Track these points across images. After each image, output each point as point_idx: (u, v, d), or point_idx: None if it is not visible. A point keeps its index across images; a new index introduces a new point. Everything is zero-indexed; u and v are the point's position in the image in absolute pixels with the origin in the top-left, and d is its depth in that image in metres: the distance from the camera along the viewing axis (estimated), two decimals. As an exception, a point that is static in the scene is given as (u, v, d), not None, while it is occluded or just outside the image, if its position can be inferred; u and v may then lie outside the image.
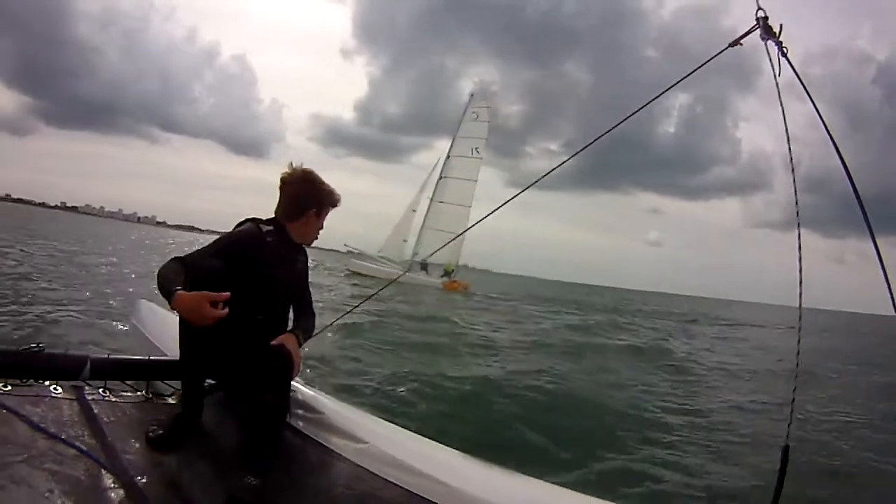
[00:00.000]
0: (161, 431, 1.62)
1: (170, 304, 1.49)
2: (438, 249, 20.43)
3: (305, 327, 1.92)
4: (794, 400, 1.38)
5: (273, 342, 1.75)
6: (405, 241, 25.23)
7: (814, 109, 1.53)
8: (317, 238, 1.96)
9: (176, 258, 1.65)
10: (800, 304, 1.51)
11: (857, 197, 1.36)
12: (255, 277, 1.72)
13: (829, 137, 1.45)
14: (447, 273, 24.32)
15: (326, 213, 1.94)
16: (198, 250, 1.73)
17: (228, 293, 1.47)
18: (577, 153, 2.25)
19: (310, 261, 2.07)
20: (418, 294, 17.52)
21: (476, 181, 24.91)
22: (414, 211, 25.29)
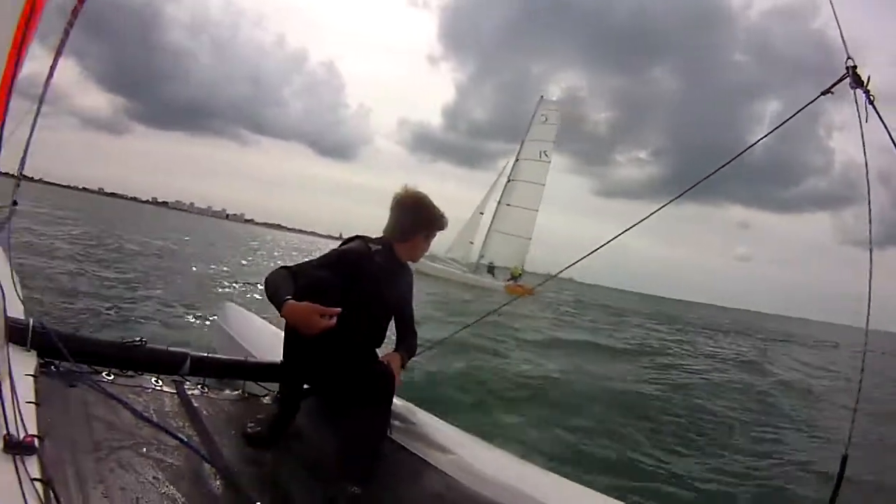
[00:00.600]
0: (259, 429, 1.67)
1: (279, 311, 1.55)
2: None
3: (409, 346, 1.97)
4: (855, 411, 1.40)
5: (380, 359, 1.86)
6: (471, 242, 25.38)
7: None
8: (421, 258, 2.00)
9: (284, 267, 1.72)
10: (867, 317, 1.58)
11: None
12: (359, 292, 1.75)
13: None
14: (514, 277, 24.21)
15: (434, 236, 1.97)
16: (307, 261, 1.80)
17: (339, 309, 1.52)
18: (677, 196, 2.30)
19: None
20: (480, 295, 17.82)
21: (544, 185, 24.58)
22: (481, 213, 25.39)
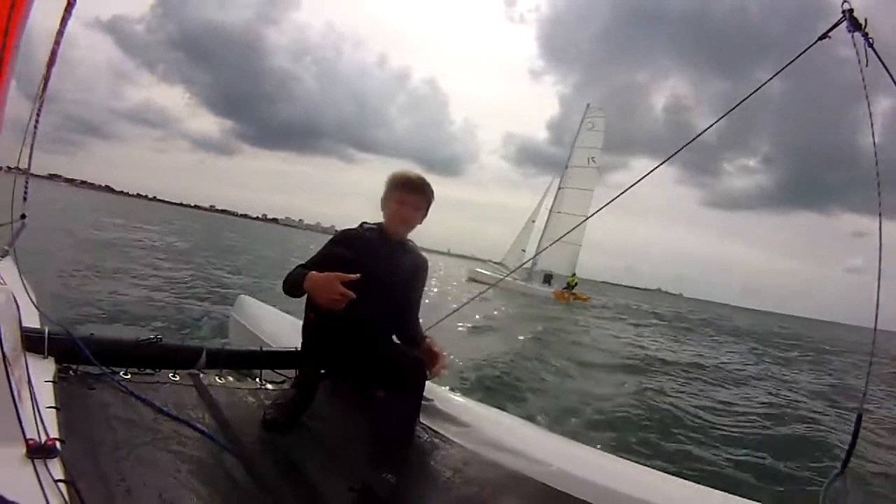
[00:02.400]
0: (276, 415, 1.65)
1: (302, 285, 1.60)
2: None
3: (420, 335, 1.94)
4: (869, 370, 1.40)
5: (427, 343, 1.87)
6: (523, 250, 24.92)
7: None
8: (401, 224, 1.85)
9: (298, 265, 1.75)
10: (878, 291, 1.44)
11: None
12: (362, 268, 1.68)
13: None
14: (570, 286, 23.46)
15: (399, 196, 1.83)
16: (311, 260, 1.79)
17: (358, 275, 1.54)
18: (663, 162, 2.26)
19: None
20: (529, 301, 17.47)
21: (592, 191, 23.49)
22: (533, 222, 24.88)
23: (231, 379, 1.87)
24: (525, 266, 24.51)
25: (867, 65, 1.49)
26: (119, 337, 1.79)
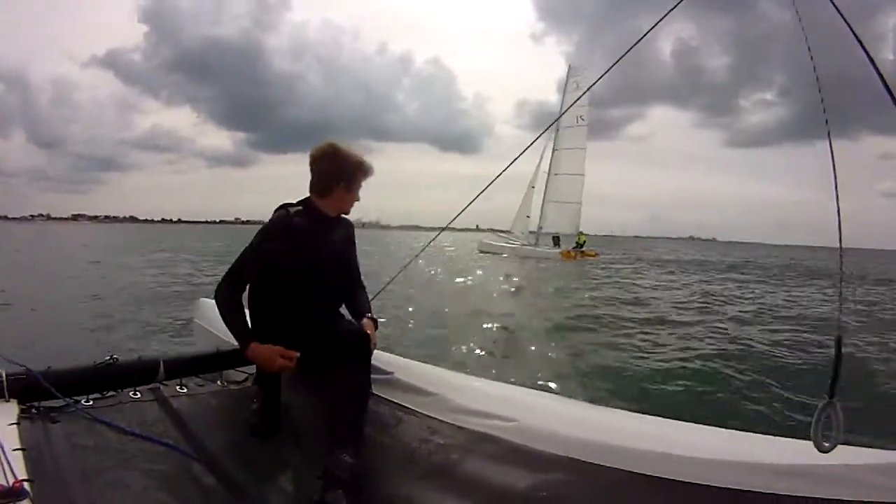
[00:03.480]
0: (258, 420, 1.64)
1: (242, 352, 1.61)
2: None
3: (368, 307, 1.89)
4: (840, 293, 1.27)
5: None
6: (528, 216, 25.32)
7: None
8: (351, 208, 1.83)
9: (228, 282, 1.66)
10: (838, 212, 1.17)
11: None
12: (297, 257, 1.66)
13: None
14: (579, 244, 23.96)
15: (359, 186, 1.80)
16: (239, 260, 1.70)
17: (298, 353, 1.58)
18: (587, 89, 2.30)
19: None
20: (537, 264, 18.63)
21: (585, 148, 23.91)
22: (533, 187, 25.07)
23: (193, 385, 1.81)
24: (532, 231, 25.26)
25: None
26: (77, 364, 1.71)
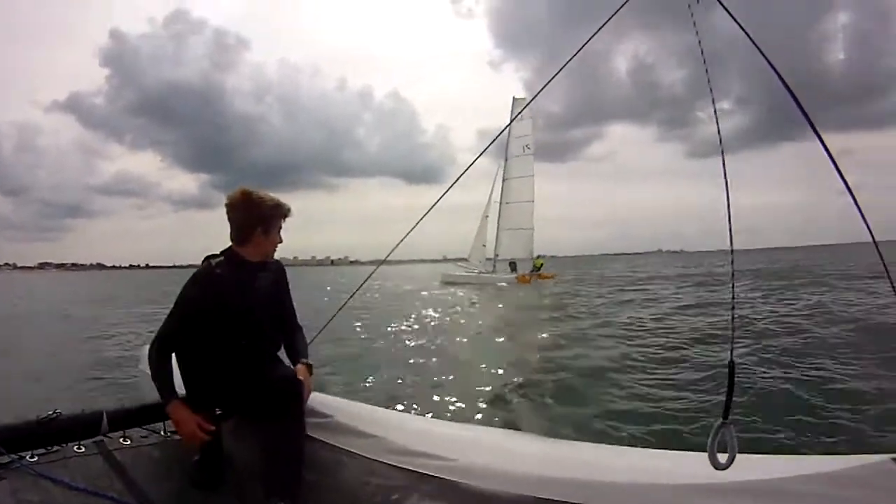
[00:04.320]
0: (197, 473, 1.63)
1: (164, 407, 1.61)
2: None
3: (301, 350, 1.86)
4: (733, 318, 1.41)
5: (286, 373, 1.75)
6: (484, 245, 25.73)
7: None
8: (274, 251, 1.82)
9: (158, 337, 1.67)
10: (729, 219, 1.23)
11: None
12: (219, 312, 1.66)
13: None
14: (536, 268, 24.26)
15: (278, 228, 1.79)
16: (169, 315, 1.69)
17: (214, 427, 1.60)
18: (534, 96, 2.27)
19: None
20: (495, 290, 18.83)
21: (533, 175, 24.49)
22: (487, 216, 25.63)
23: (136, 437, 1.80)
24: (489, 259, 25.48)
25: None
26: (20, 419, 1.69)
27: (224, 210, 1.75)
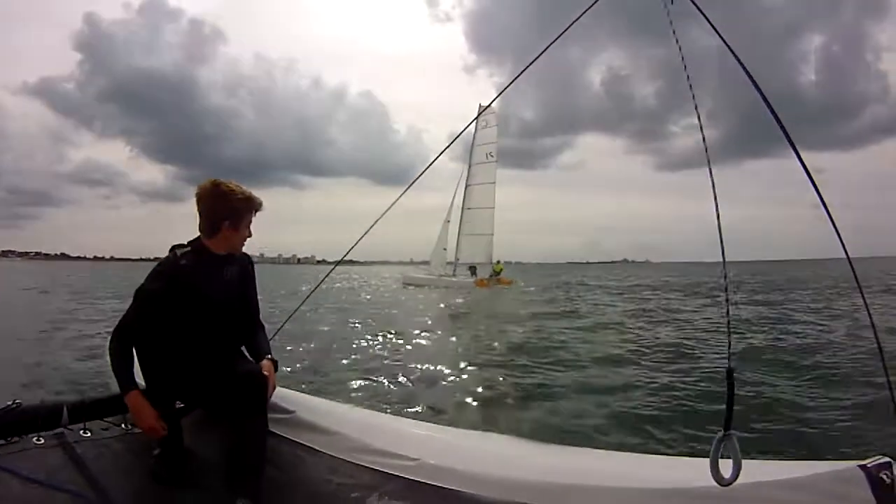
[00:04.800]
0: (157, 467, 1.62)
1: (123, 396, 1.58)
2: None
3: (267, 346, 1.84)
4: (729, 324, 1.33)
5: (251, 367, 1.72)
6: (445, 249, 25.93)
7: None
8: (242, 245, 1.79)
9: (119, 327, 1.63)
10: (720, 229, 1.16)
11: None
12: (183, 303, 1.63)
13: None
14: (496, 272, 24.74)
15: (248, 222, 1.75)
16: (131, 305, 1.65)
17: (166, 432, 1.58)
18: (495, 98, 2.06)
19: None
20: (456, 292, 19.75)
21: (494, 183, 24.96)
22: (448, 221, 25.80)
23: (97, 430, 1.76)
24: (450, 262, 25.77)
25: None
26: None
27: (195, 203, 1.71)
